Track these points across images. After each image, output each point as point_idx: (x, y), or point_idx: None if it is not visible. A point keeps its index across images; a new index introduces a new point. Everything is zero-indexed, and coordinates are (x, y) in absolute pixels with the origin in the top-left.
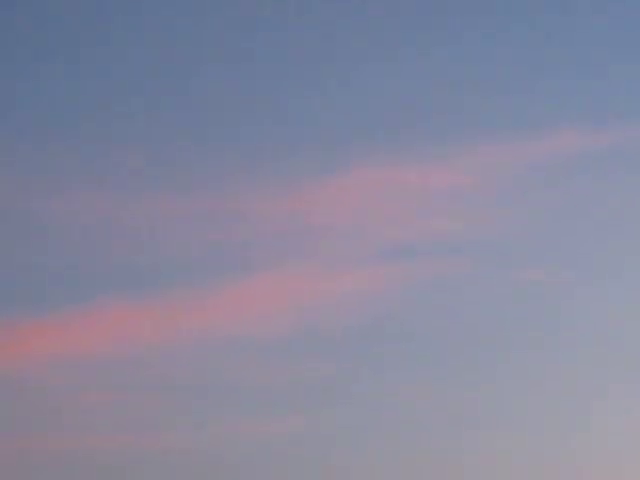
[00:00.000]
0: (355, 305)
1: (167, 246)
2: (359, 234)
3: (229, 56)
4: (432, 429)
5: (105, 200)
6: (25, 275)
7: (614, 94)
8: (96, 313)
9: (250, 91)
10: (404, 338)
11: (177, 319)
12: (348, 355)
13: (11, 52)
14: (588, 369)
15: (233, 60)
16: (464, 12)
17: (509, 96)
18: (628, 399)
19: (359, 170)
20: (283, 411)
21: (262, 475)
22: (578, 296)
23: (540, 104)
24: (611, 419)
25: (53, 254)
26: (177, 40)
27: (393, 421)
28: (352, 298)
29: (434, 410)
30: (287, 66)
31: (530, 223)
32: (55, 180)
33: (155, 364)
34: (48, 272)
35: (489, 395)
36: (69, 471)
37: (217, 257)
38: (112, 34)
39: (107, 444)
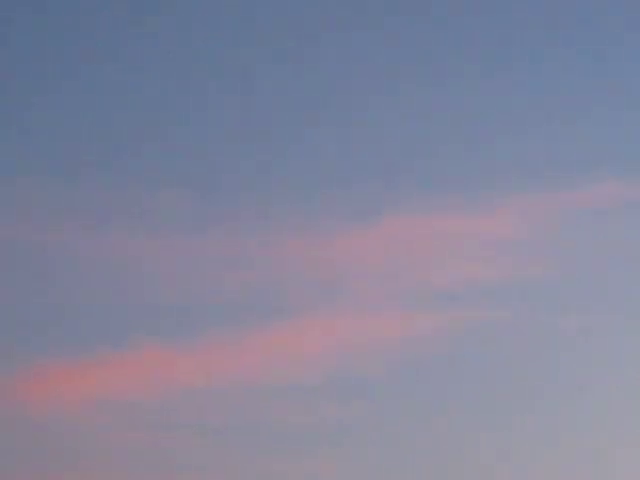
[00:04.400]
0: (386, 350)
1: (201, 289)
2: (391, 280)
3: (255, 101)
4: (465, 468)
5: (140, 241)
6: (58, 315)
7: None
8: (129, 355)
9: (284, 137)
10: (437, 383)
11: (211, 362)
12: (380, 399)
13: (45, 83)
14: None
15: (262, 104)
16: (509, 56)
17: (550, 142)
18: None
19: (392, 217)
20: (314, 453)
21: None
22: (618, 343)
23: (583, 152)
24: None
25: (86, 294)
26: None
27: (425, 463)
28: (384, 343)
29: (467, 456)
30: (315, 113)
31: (567, 270)
32: (89, 219)
33: (189, 407)
34: (81, 313)
35: (522, 442)
36: None
37: (251, 301)
38: (150, 71)
39: None
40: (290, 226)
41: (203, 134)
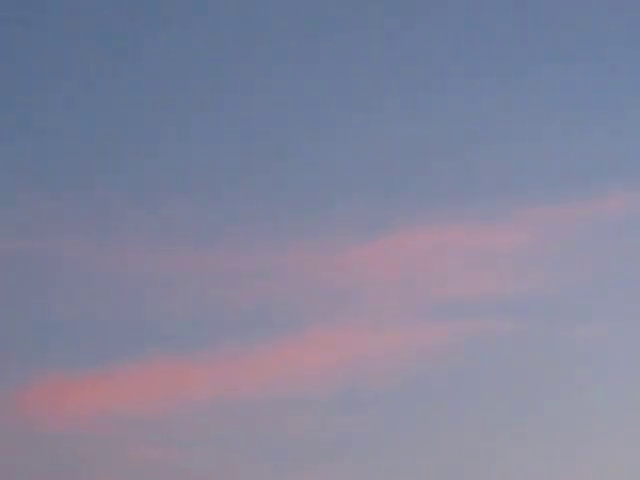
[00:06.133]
0: (403, 362)
1: (216, 302)
2: (407, 292)
3: (266, 112)
4: None
5: (151, 253)
6: (66, 329)
7: None
8: (144, 368)
9: (296, 148)
10: (449, 396)
11: (226, 376)
12: (395, 410)
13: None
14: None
15: (270, 112)
16: (521, 59)
17: (563, 154)
18: None
19: (407, 228)
20: (332, 466)
21: None
22: (629, 353)
23: (597, 163)
24: None
25: (96, 308)
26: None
27: (442, 474)
28: (400, 355)
29: (478, 470)
30: (328, 124)
31: (582, 282)
32: (105, 232)
33: (199, 421)
34: (90, 326)
35: (536, 456)
36: None
37: (261, 314)
38: (152, 79)
39: None
40: (302, 238)
41: (212, 145)
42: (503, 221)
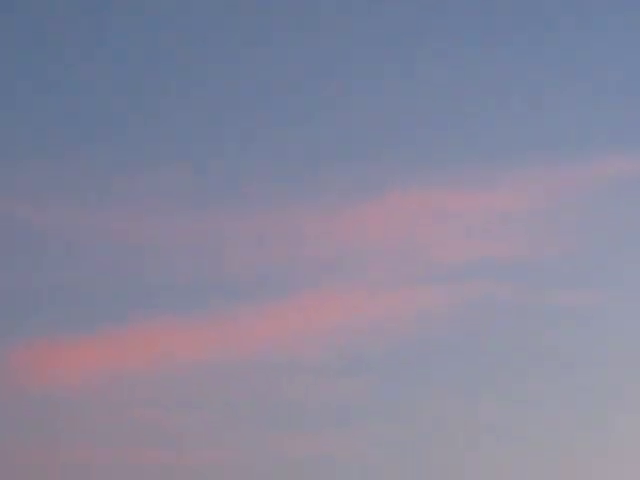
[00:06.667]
0: (398, 326)
1: (207, 265)
2: (404, 256)
3: (254, 78)
4: (470, 444)
5: (141, 218)
6: (58, 293)
7: None
8: (132, 331)
9: (286, 113)
10: (446, 358)
11: (216, 337)
12: (391, 374)
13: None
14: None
15: (271, 87)
16: (503, 29)
17: (550, 117)
18: None
19: (406, 193)
20: (319, 429)
21: None
22: (619, 318)
23: (584, 127)
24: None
25: (87, 272)
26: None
27: (431, 437)
28: (396, 319)
29: (473, 426)
30: (317, 89)
31: (568, 246)
32: (90, 199)
33: (193, 382)
34: (81, 290)
35: (521, 413)
36: None
37: (254, 278)
38: (141, 46)
39: (147, 460)
40: (293, 202)
41: (203, 112)
42: (491, 184)
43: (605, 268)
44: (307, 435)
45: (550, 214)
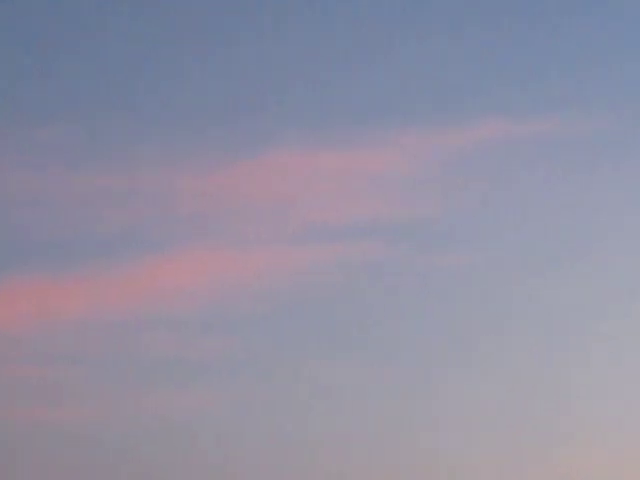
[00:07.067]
0: (270, 284)
1: (85, 222)
2: (279, 216)
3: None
4: (342, 407)
5: (23, 174)
6: None
7: (535, 87)
8: (9, 287)
9: (174, 73)
10: (318, 318)
11: (92, 294)
12: (262, 333)
13: None
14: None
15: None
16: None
17: (434, 84)
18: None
19: (280, 152)
20: (193, 387)
21: (171, 447)
22: (494, 279)
23: (465, 93)
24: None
25: None
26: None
27: (304, 399)
28: (267, 277)
29: (343, 387)
30: (199, 46)
31: (452, 208)
32: None
33: (66, 339)
34: None
35: (395, 374)
36: None
37: (133, 234)
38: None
39: (19, 416)
40: (167, 161)
41: (92, 70)
42: (373, 145)
43: (478, 230)
44: (177, 391)
45: (426, 176)
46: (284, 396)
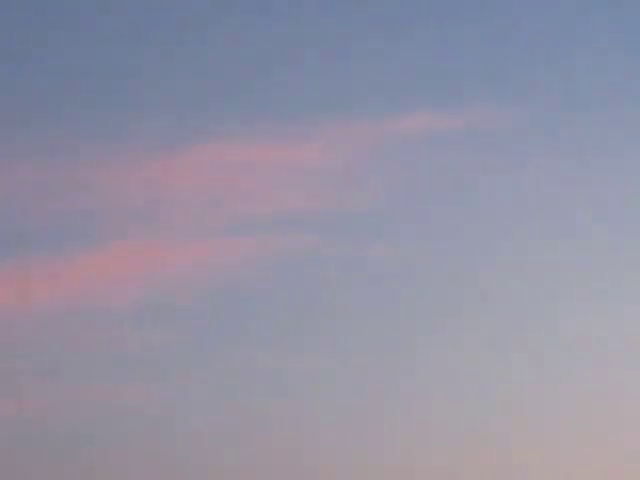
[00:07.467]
0: (203, 276)
1: (19, 215)
2: (211, 207)
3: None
4: (277, 394)
5: None
6: None
7: (468, 77)
8: None
9: (112, 64)
10: (252, 308)
11: (26, 287)
12: (196, 324)
13: None
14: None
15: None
16: None
17: (366, 75)
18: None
19: (213, 144)
20: (127, 380)
21: (105, 444)
22: (421, 270)
23: (398, 84)
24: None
25: None
26: None
27: (244, 389)
28: (201, 269)
29: (281, 375)
30: (140, 38)
31: (381, 200)
32: None
33: (6, 331)
34: None
35: (327, 362)
36: None
37: (67, 227)
38: None
39: None
40: (100, 153)
41: (41, 64)
42: (310, 140)
43: (412, 222)
44: (115, 386)
45: (359, 169)
46: (224, 387)
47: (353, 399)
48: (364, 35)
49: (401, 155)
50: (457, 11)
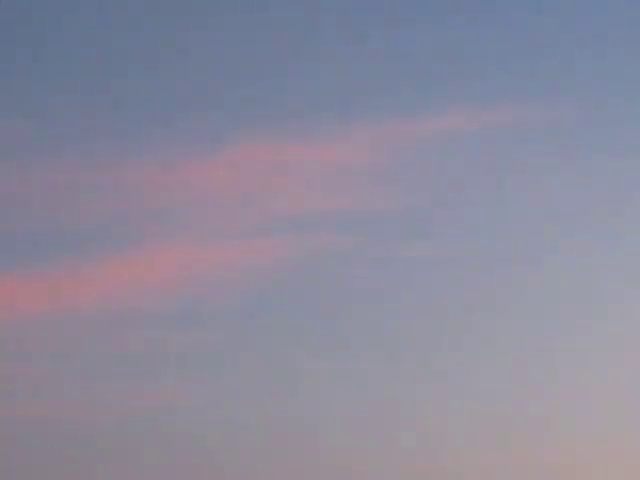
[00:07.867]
0: (241, 276)
1: (54, 217)
2: (245, 208)
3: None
4: (318, 394)
5: None
6: None
7: (500, 78)
8: None
9: (137, 66)
10: (290, 308)
11: (64, 290)
12: (234, 325)
13: None
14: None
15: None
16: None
17: (397, 75)
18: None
19: (248, 145)
20: (159, 381)
21: (127, 443)
22: (457, 269)
23: (428, 84)
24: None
25: None
26: None
27: (280, 389)
28: (239, 269)
29: (319, 374)
30: (164, 41)
31: (412, 200)
32: None
33: (42, 334)
34: None
35: (365, 369)
36: None
37: (105, 230)
38: None
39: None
40: (133, 155)
41: (46, 65)
42: (342, 140)
43: (443, 222)
44: (148, 387)
45: (390, 168)
46: (256, 387)
47: (384, 399)
48: (396, 33)
49: (432, 154)
50: (488, 9)
